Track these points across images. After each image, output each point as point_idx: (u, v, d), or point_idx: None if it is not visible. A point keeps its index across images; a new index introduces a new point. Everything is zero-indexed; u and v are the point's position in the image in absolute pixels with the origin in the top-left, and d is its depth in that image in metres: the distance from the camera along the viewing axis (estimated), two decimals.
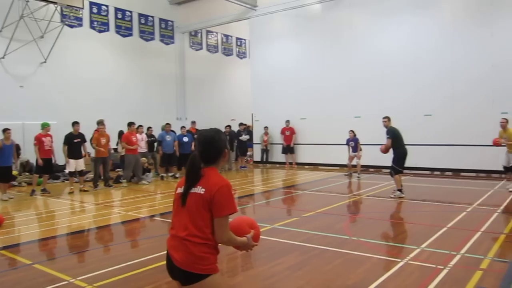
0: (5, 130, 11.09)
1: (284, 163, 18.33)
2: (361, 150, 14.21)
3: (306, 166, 17.68)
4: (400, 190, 10.05)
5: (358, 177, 13.88)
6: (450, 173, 14.40)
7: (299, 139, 18.14)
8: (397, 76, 15.37)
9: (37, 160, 11.91)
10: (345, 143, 14.66)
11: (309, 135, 17.73)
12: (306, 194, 11.40)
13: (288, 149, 18.12)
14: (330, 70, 17.12)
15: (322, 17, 17.51)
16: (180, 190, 2.64)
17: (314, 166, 17.47)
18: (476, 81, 13.86)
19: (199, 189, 2.50)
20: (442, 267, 5.00)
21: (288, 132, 18.01)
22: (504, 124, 10.62)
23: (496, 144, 10.74)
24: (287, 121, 18.06)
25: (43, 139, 11.82)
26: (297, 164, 17.95)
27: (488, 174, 13.42)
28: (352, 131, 14.36)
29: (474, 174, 13.92)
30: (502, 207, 8.71)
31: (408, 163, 13.93)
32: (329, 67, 17.20)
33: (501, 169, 11.37)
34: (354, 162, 14.42)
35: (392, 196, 10.09)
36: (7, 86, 14.81)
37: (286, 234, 6.74)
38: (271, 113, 18.83)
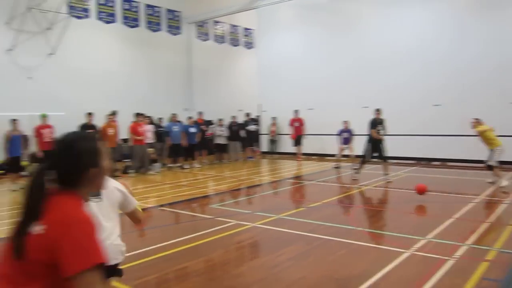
0: (13, 121, 11.22)
1: (294, 153, 18.07)
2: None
3: (314, 157, 17.65)
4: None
5: (356, 169, 13.50)
6: (458, 164, 14.30)
7: (306, 130, 18.02)
8: (404, 66, 15.23)
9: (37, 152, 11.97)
10: (338, 133, 14.41)
11: (316, 125, 17.62)
12: (312, 184, 11.39)
13: (297, 141, 17.47)
14: (337, 60, 17.01)
15: (329, 7, 17.37)
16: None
17: (321, 156, 17.41)
18: (489, 74, 13.74)
19: (37, 228, 1.52)
20: (447, 258, 4.98)
21: (297, 123, 17.43)
22: (473, 124, 10.42)
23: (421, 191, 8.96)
24: (296, 112, 17.55)
25: (42, 130, 11.85)
26: (304, 154, 17.88)
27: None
28: (346, 121, 14.04)
29: (481, 165, 13.80)
30: (510, 199, 8.65)
31: (416, 153, 13.92)
32: (336, 57, 17.08)
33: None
34: (346, 153, 14.13)
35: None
36: (16, 78, 14.88)
37: (291, 224, 6.76)
38: (279, 104, 18.77)
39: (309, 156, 17.83)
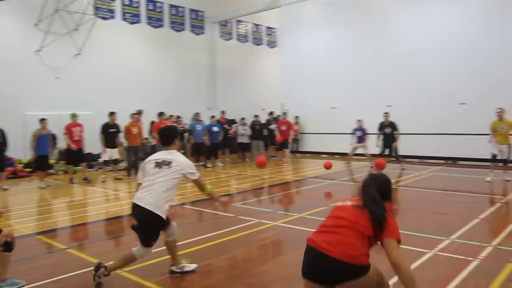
0: (42, 120, 11.53)
1: (317, 152, 18.04)
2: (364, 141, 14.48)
3: (337, 156, 17.54)
4: None
5: (372, 167, 13.74)
6: (485, 163, 13.99)
7: (330, 129, 17.92)
8: (430, 65, 15.02)
9: (67, 149, 12.26)
10: (351, 132, 14.84)
11: (339, 124, 17.50)
12: (334, 184, 11.34)
13: (282, 144, 16.23)
14: (361, 58, 16.90)
15: (353, 5, 17.26)
16: None
17: (346, 156, 17.25)
18: None
19: None
20: (471, 258, 4.92)
21: (284, 127, 16.22)
22: (500, 114, 10.66)
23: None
24: (284, 114, 17.14)
25: (72, 129, 12.15)
26: (328, 154, 17.78)
27: None
28: (359, 120, 14.42)
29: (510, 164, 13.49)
30: None
31: (445, 153, 13.69)
32: (360, 56, 16.97)
33: None
34: (360, 152, 14.64)
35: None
36: (44, 78, 15.28)
37: (313, 223, 6.72)
38: (302, 102, 18.75)
39: (332, 155, 17.76)
